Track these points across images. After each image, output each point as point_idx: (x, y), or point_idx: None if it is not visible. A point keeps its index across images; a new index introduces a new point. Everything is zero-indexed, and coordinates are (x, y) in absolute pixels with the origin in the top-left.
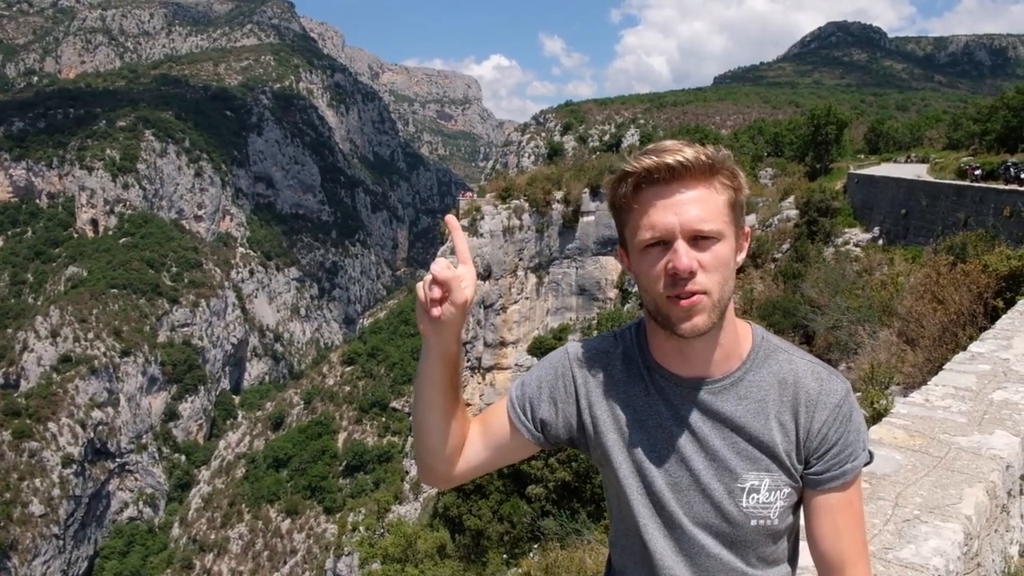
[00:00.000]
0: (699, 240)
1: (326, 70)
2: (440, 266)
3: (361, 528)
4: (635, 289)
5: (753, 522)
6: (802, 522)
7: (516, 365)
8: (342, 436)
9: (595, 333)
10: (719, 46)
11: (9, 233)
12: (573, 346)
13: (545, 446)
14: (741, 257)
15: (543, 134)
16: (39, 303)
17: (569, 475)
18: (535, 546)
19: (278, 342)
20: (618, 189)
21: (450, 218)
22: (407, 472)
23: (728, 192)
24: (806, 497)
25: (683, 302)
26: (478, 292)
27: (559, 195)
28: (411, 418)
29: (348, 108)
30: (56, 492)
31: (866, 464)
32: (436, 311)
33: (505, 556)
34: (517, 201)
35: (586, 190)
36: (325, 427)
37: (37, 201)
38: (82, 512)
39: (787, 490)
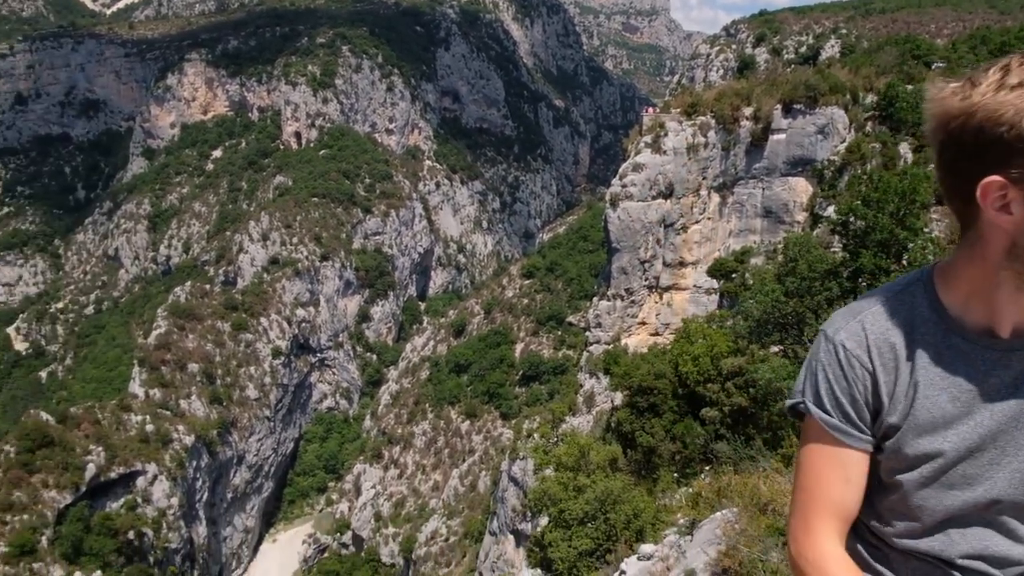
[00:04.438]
0: None
1: None
2: None
3: (536, 435)
4: (827, 213)
5: None
6: None
7: (695, 286)
8: (519, 347)
9: (780, 257)
10: None
11: (226, 144)
12: (844, 338)
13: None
14: None
15: (733, 46)
16: (251, 209)
17: (746, 400)
18: (707, 468)
19: (461, 253)
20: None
21: None
22: (581, 385)
23: None
24: None
25: None
26: (659, 210)
27: (748, 111)
28: None
29: (532, 21)
30: (267, 380)
31: None
32: None
33: (676, 475)
34: (703, 117)
35: (778, 106)
36: (503, 337)
37: (249, 115)
38: (289, 399)
39: None
